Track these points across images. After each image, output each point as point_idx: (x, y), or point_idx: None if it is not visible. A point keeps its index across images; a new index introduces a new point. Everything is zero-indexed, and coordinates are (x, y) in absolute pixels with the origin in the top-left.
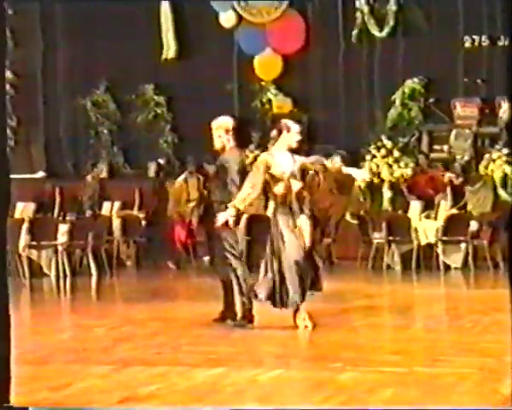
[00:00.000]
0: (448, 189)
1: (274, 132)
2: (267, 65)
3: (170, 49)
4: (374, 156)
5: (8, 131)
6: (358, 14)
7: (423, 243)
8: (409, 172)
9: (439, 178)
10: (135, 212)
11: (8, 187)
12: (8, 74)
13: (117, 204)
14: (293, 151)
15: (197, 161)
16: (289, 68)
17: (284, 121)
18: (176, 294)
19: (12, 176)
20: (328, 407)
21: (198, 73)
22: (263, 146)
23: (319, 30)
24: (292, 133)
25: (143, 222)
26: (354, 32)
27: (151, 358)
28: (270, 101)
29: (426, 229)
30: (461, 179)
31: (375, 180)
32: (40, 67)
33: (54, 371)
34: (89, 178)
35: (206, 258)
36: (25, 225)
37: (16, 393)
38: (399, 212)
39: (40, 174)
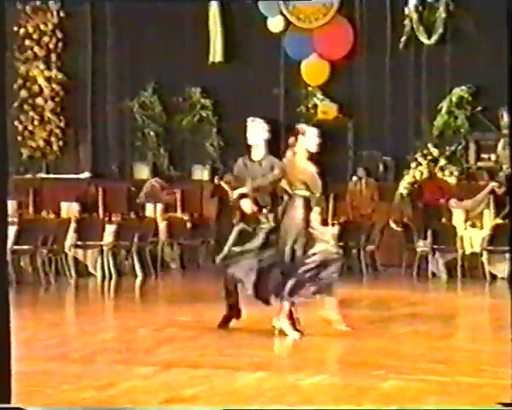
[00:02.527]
0: (491, 198)
1: (291, 139)
2: (314, 70)
3: (217, 52)
4: (419, 164)
5: (57, 131)
6: (407, 21)
7: (468, 251)
8: (453, 180)
9: (447, 184)
10: (178, 214)
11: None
12: (59, 75)
13: (159, 206)
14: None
15: None
16: (336, 74)
17: (299, 126)
18: (220, 297)
19: (58, 176)
20: None
21: (245, 77)
22: None
23: (367, 36)
24: (307, 137)
25: (188, 224)
26: (402, 39)
27: (194, 360)
28: (315, 106)
29: (471, 238)
30: (504, 189)
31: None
32: (89, 68)
33: (98, 370)
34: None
35: None
36: (72, 225)
37: (63, 390)
38: (443, 220)
39: (85, 175)
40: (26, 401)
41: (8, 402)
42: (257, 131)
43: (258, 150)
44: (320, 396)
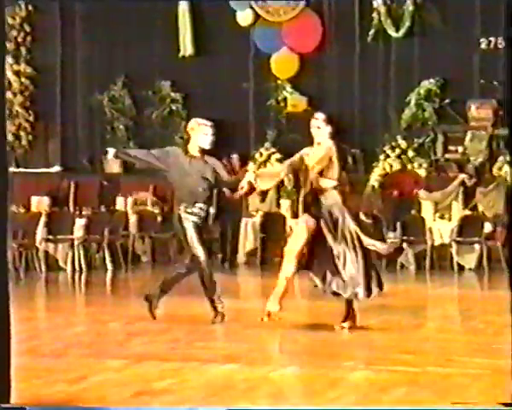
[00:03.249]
0: (460, 189)
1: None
2: (283, 63)
3: (187, 45)
4: (388, 156)
5: (26, 125)
6: (375, 14)
7: (437, 243)
8: (422, 172)
9: (418, 176)
10: (149, 207)
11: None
12: (28, 69)
13: (130, 200)
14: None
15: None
16: (305, 67)
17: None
18: (190, 290)
19: (28, 170)
20: (341, 407)
21: (215, 71)
22: (278, 144)
23: (335, 29)
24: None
25: (159, 218)
26: (370, 32)
27: (165, 353)
28: (285, 99)
29: (440, 229)
30: (474, 181)
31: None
32: (59, 62)
33: (69, 364)
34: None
35: (220, 255)
36: (42, 219)
37: (32, 385)
38: (413, 212)
39: (56, 169)
40: None
41: None
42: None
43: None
44: (291, 388)
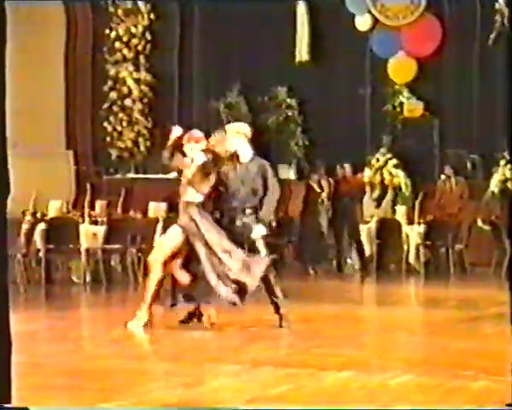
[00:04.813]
0: None
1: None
2: (400, 68)
3: (303, 51)
4: (509, 162)
5: (144, 132)
6: (497, 17)
7: None
8: None
9: None
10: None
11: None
12: (147, 77)
13: None
14: None
15: (326, 164)
16: (423, 72)
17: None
18: (304, 295)
19: (147, 176)
20: None
21: (331, 76)
22: (393, 150)
23: (455, 32)
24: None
25: (273, 224)
26: (492, 36)
27: (281, 359)
28: (401, 104)
29: None
30: None
31: (510, 185)
32: (176, 69)
33: (187, 368)
34: None
35: (334, 261)
36: (159, 224)
37: (152, 389)
38: None
39: (173, 175)
40: (110, 398)
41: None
42: (234, 138)
43: (244, 153)
44: (408, 396)
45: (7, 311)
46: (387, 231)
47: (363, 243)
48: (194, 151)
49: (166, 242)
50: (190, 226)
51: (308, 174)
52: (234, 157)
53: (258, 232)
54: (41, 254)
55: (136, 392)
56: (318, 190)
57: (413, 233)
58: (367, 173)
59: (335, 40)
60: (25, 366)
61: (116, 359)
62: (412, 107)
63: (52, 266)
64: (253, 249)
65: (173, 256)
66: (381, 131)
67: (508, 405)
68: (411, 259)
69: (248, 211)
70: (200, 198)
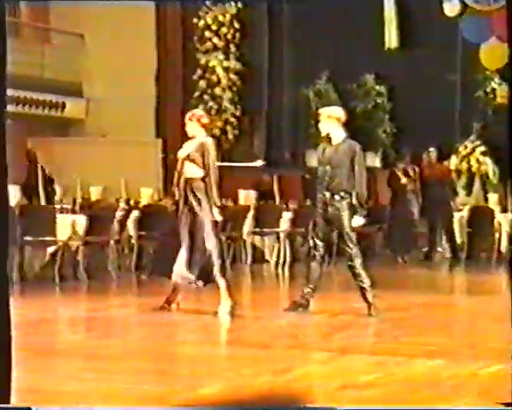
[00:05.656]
0: None
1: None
2: (492, 54)
3: (392, 37)
4: None
5: (233, 120)
6: None
7: None
8: None
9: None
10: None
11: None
12: (237, 65)
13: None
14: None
15: (413, 151)
16: None
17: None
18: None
19: (234, 164)
20: None
21: (420, 63)
22: (483, 137)
23: None
24: None
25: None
26: None
27: (369, 347)
28: (493, 90)
29: None
30: None
31: None
32: (266, 57)
33: (275, 355)
34: None
35: (424, 249)
36: (251, 212)
37: (242, 374)
38: None
39: (259, 163)
40: (201, 383)
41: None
42: (327, 120)
43: (337, 135)
44: (499, 387)
45: (7, 302)
46: (479, 218)
47: (454, 231)
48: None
49: None
50: None
51: (394, 162)
52: (326, 140)
53: (357, 223)
54: (133, 240)
55: (227, 377)
56: (403, 179)
57: (505, 221)
58: (453, 161)
59: (424, 26)
60: (120, 349)
61: (205, 345)
62: (505, 93)
63: (143, 254)
64: (343, 236)
65: None
66: (470, 118)
67: (508, 404)
68: (503, 247)
69: (337, 197)
70: (201, 173)
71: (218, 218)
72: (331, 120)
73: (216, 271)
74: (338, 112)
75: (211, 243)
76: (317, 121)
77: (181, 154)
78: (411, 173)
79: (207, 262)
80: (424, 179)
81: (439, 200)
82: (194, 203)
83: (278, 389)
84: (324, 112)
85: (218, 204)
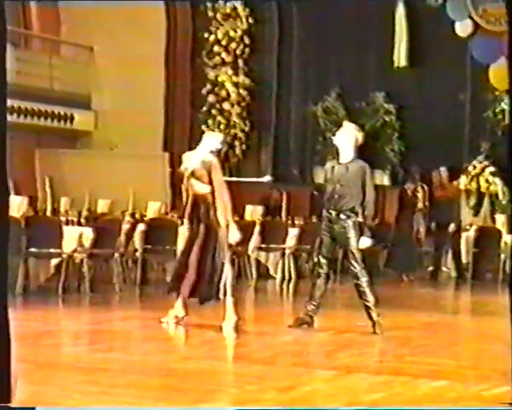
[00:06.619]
0: None
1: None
2: (502, 74)
3: (402, 56)
4: None
5: (241, 135)
6: None
7: None
8: None
9: None
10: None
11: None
12: (246, 80)
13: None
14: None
15: (422, 170)
16: None
17: None
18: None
19: (242, 179)
20: None
21: (429, 82)
22: (492, 157)
23: None
24: None
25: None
26: None
27: (374, 366)
28: (503, 111)
29: None
30: None
31: None
32: (275, 73)
33: (280, 372)
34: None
35: (430, 268)
36: (257, 228)
37: (246, 391)
38: None
39: (267, 178)
40: (206, 399)
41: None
42: (346, 135)
43: (347, 154)
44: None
45: (5, 311)
46: (486, 239)
47: (461, 250)
48: None
49: None
50: None
51: (402, 180)
52: (333, 157)
53: (364, 244)
54: (138, 254)
55: (231, 394)
56: (413, 198)
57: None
58: (462, 180)
59: (434, 45)
60: (124, 363)
61: (209, 360)
62: None
63: (148, 267)
64: (348, 255)
65: None
66: (479, 138)
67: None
68: (509, 268)
69: (343, 215)
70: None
71: (236, 237)
72: (351, 137)
73: (228, 290)
74: (360, 133)
75: (223, 261)
76: (336, 130)
77: (184, 169)
78: (421, 193)
79: (210, 280)
80: (435, 200)
81: (445, 220)
82: (203, 220)
83: (283, 406)
84: (350, 126)
85: (233, 222)
